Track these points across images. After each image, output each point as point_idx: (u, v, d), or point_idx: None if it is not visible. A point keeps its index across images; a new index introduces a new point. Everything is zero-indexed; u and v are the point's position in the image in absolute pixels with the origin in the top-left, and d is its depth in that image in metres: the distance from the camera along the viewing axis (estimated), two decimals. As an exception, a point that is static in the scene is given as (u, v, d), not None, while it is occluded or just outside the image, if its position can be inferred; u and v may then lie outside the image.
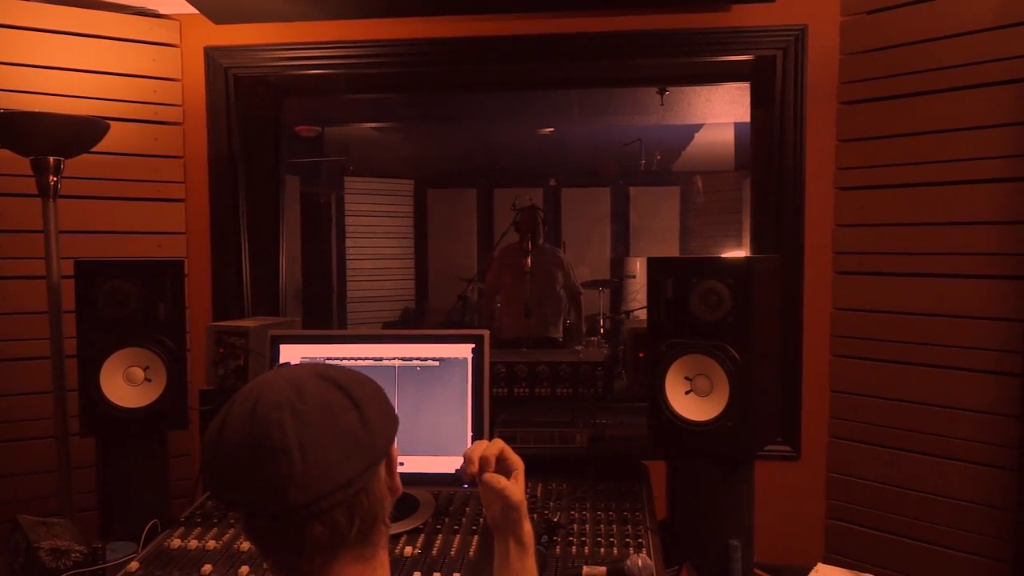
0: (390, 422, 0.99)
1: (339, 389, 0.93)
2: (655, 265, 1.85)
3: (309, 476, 0.86)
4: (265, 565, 0.96)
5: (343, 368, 0.99)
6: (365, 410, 0.93)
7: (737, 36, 2.54)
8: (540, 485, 1.97)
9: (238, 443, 0.88)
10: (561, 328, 5.02)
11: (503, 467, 1.22)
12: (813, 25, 2.47)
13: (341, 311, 6.98)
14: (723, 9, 2.52)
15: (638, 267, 7.05)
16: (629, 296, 6.97)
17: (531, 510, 1.80)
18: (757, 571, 1.91)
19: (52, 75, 2.53)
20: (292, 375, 0.94)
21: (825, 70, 2.47)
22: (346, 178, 7.09)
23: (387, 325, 7.20)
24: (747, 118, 2.79)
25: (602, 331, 5.66)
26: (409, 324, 7.22)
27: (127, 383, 2.03)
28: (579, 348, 4.31)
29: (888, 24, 2.35)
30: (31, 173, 2.10)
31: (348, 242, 7.07)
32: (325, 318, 6.68)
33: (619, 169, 7.41)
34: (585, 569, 1.51)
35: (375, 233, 7.33)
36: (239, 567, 1.54)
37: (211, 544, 1.65)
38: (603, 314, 5.85)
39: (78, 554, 1.68)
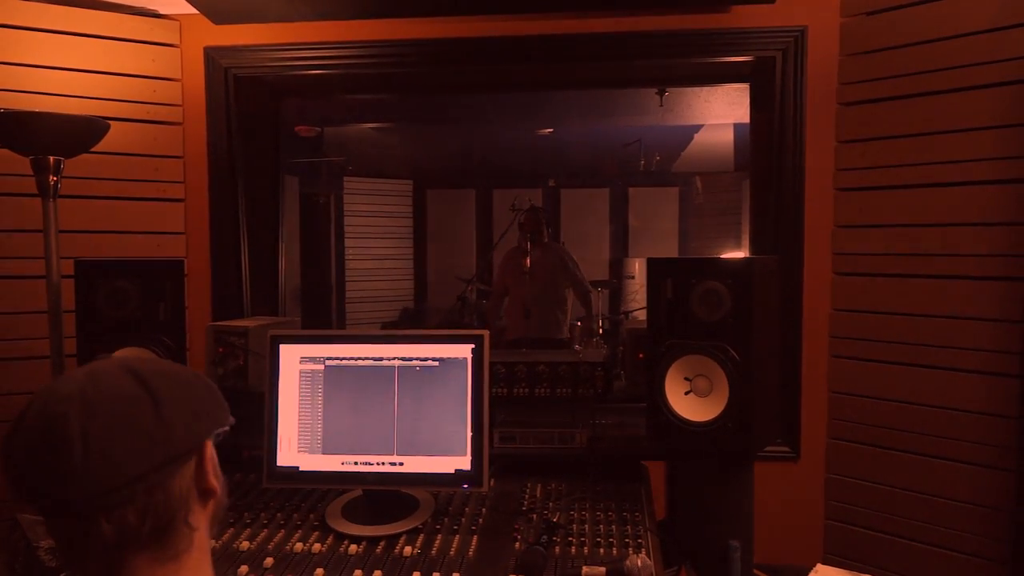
0: (199, 420, 0.95)
1: (139, 383, 0.90)
2: (655, 266, 1.85)
3: (91, 469, 0.83)
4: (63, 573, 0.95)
5: (159, 362, 0.97)
6: (163, 405, 0.89)
7: (737, 37, 2.54)
8: (540, 485, 1.97)
9: (27, 434, 0.86)
10: (566, 328, 5.01)
11: None
12: (813, 26, 2.47)
13: (340, 311, 6.98)
14: (723, 10, 2.52)
15: (637, 268, 7.05)
16: (628, 297, 6.97)
17: (531, 510, 1.81)
18: (756, 572, 1.91)
19: (52, 75, 2.53)
20: (97, 367, 0.91)
21: (825, 71, 2.47)
22: (345, 178, 7.09)
23: (386, 325, 7.19)
24: (746, 119, 2.79)
25: (600, 331, 5.66)
26: (408, 324, 7.22)
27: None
28: (578, 348, 4.31)
29: (888, 25, 2.35)
30: (31, 173, 2.10)
31: (347, 242, 7.07)
32: (324, 318, 6.68)
33: (619, 169, 7.42)
34: (585, 569, 1.51)
35: (374, 233, 7.33)
36: (239, 566, 1.54)
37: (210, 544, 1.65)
38: (602, 315, 5.84)
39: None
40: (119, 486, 0.85)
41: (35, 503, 0.87)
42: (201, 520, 0.96)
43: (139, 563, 0.89)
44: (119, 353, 1.95)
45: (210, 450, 0.97)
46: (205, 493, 0.96)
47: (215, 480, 0.97)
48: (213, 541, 1.04)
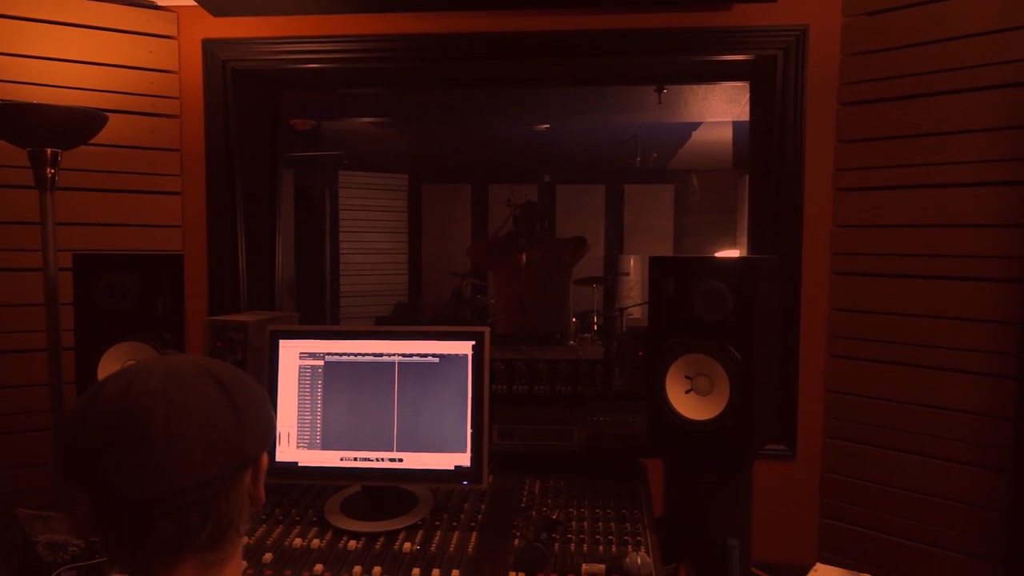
0: (265, 431, 0.96)
1: (220, 387, 0.90)
2: (658, 264, 1.84)
3: (169, 468, 0.83)
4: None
5: (231, 367, 0.96)
6: (242, 413, 0.90)
7: (738, 36, 2.54)
8: (538, 482, 1.97)
9: (103, 423, 0.85)
10: (561, 323, 5.01)
11: None
12: (814, 25, 2.47)
13: (334, 305, 6.97)
14: (724, 8, 2.52)
15: (632, 264, 7.06)
16: (623, 293, 6.97)
17: (529, 507, 1.81)
18: (755, 570, 1.92)
19: (49, 66, 2.51)
20: (173, 365, 0.91)
21: (825, 71, 2.48)
22: (340, 172, 7.07)
23: (380, 320, 7.19)
24: (744, 117, 2.80)
25: (596, 328, 5.67)
26: (402, 319, 7.21)
27: (124, 377, 2.01)
28: (573, 344, 4.31)
29: (889, 26, 2.35)
30: (28, 165, 2.09)
31: (342, 236, 7.05)
32: (317, 312, 6.66)
33: (615, 166, 7.42)
34: (584, 567, 1.51)
35: (369, 227, 7.32)
36: (238, 563, 1.54)
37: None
38: (597, 311, 5.85)
39: (75, 548, 1.67)
40: (192, 487, 0.85)
41: (102, 494, 0.86)
42: (245, 526, 0.98)
43: (189, 566, 0.90)
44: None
45: (265, 461, 0.98)
46: (255, 501, 0.98)
47: (263, 489, 0.99)
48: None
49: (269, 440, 0.97)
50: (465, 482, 1.77)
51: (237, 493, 0.93)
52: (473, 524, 1.73)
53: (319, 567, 1.53)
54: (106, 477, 0.84)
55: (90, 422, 0.85)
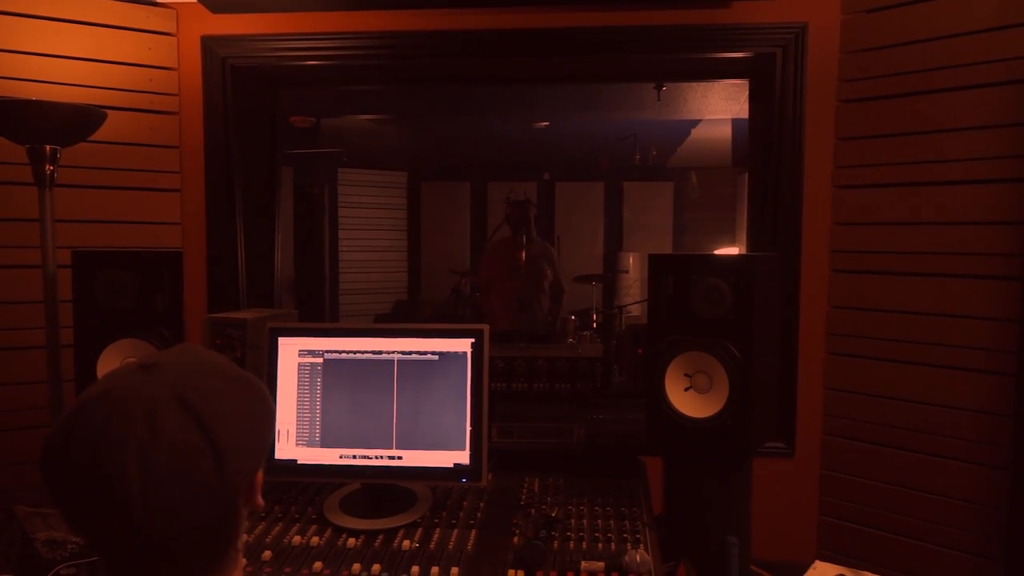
0: (256, 458, 0.93)
1: (199, 428, 0.84)
2: (657, 262, 1.84)
3: (151, 520, 0.81)
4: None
5: (212, 391, 0.89)
6: (224, 456, 0.85)
7: (737, 33, 2.53)
8: (537, 480, 1.97)
9: (79, 469, 0.82)
10: (552, 320, 5.02)
11: None
12: (813, 23, 2.47)
13: (333, 302, 6.96)
14: (723, 5, 2.52)
15: (631, 262, 7.06)
16: (622, 291, 6.97)
17: (528, 505, 1.81)
18: (754, 567, 1.92)
19: (48, 63, 2.50)
20: (150, 400, 0.84)
21: (825, 68, 2.47)
22: (340, 169, 7.06)
23: (379, 318, 7.18)
24: (743, 114, 2.80)
25: (595, 325, 5.66)
26: (401, 317, 7.20)
27: (123, 374, 2.01)
28: (572, 341, 4.31)
29: (888, 23, 2.35)
30: (27, 161, 2.08)
31: (341, 234, 7.04)
32: (316, 309, 6.66)
33: (614, 163, 7.42)
34: (583, 564, 1.52)
35: (368, 225, 7.31)
36: (237, 560, 1.54)
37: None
38: (596, 309, 5.85)
39: (74, 545, 1.67)
40: (177, 535, 0.84)
41: (92, 544, 0.87)
42: (243, 536, 0.98)
43: None
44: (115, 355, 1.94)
45: (259, 475, 0.97)
46: (252, 511, 0.98)
47: (260, 497, 0.98)
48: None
49: (261, 462, 0.95)
50: (464, 480, 1.77)
51: (230, 521, 0.92)
52: (472, 522, 1.73)
53: (318, 564, 1.53)
54: (93, 530, 0.85)
55: (69, 465, 0.83)
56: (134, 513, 0.81)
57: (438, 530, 1.69)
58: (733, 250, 6.14)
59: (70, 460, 0.82)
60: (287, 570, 1.52)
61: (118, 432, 0.82)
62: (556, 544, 1.62)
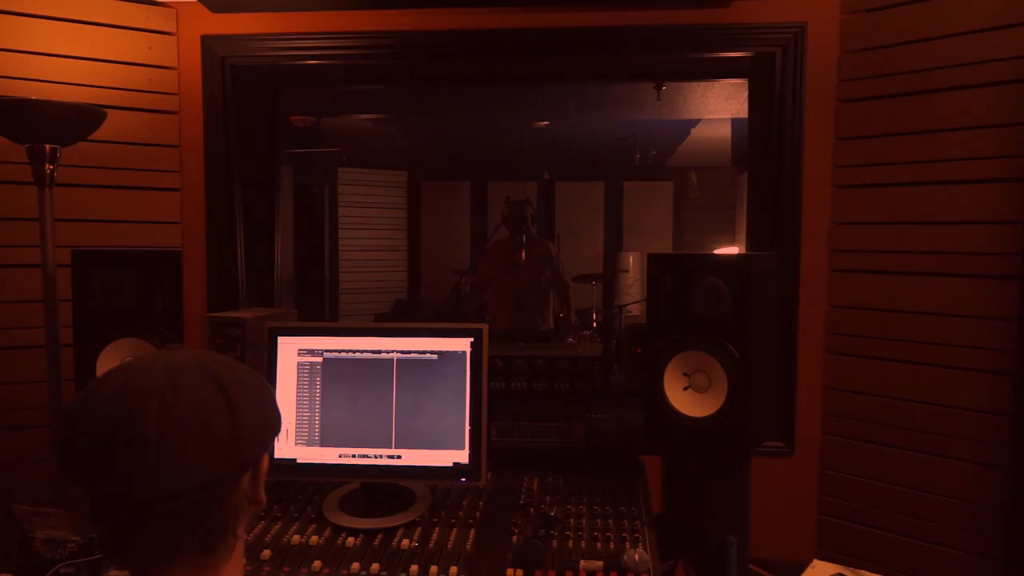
0: (266, 434, 0.95)
1: (219, 388, 0.88)
2: (656, 261, 1.84)
3: (160, 472, 0.82)
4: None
5: (233, 365, 0.94)
6: (240, 416, 0.88)
7: (736, 33, 2.53)
8: (536, 479, 1.97)
9: (98, 420, 0.84)
10: (551, 320, 5.02)
11: None
12: (813, 23, 2.47)
13: (333, 302, 6.96)
14: (723, 5, 2.52)
15: (631, 261, 7.06)
16: (622, 290, 6.98)
17: (528, 504, 1.81)
18: (752, 567, 1.92)
19: (48, 62, 2.50)
20: (173, 361, 0.89)
21: (824, 68, 2.48)
22: (340, 169, 7.06)
23: (379, 317, 7.18)
24: (743, 114, 2.80)
25: (595, 325, 5.67)
26: (401, 316, 7.20)
27: (123, 373, 2.01)
28: (572, 341, 4.32)
29: (888, 23, 2.35)
30: (27, 161, 2.08)
31: (341, 233, 7.04)
32: (316, 309, 6.66)
33: (614, 163, 7.42)
34: (582, 563, 1.52)
35: (368, 224, 7.31)
36: (237, 559, 1.54)
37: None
38: (596, 308, 5.85)
39: (74, 544, 1.67)
40: (182, 491, 0.84)
41: (92, 491, 0.85)
42: (243, 528, 0.97)
43: (181, 568, 0.89)
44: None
45: (265, 462, 0.98)
46: (254, 503, 0.97)
47: (263, 491, 0.98)
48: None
49: (270, 443, 0.96)
50: (463, 479, 1.77)
51: (233, 497, 0.92)
52: (471, 521, 1.74)
53: (317, 564, 1.53)
54: (98, 475, 0.84)
55: (85, 419, 0.85)
56: (148, 456, 0.82)
57: (437, 529, 1.69)
58: (733, 249, 6.14)
59: (94, 404, 0.85)
60: (286, 569, 1.53)
61: (143, 382, 0.85)
62: (555, 543, 1.62)
